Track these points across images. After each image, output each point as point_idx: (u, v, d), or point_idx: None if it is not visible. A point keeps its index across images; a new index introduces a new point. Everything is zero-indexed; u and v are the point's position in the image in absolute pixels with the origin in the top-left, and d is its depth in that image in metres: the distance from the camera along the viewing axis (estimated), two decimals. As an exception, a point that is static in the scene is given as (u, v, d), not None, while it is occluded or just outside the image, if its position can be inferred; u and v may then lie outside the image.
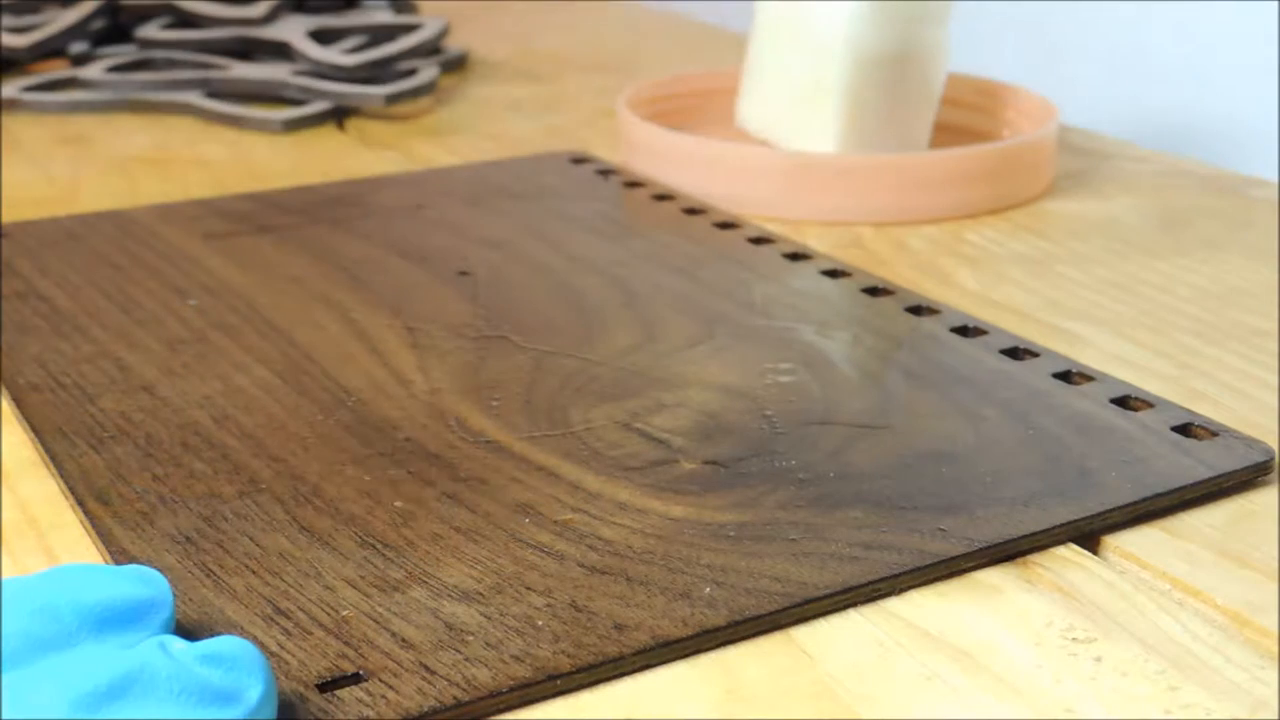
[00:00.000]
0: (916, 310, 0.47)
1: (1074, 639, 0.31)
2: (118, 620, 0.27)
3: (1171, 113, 0.80)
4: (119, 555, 0.33)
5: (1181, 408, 0.40)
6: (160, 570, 0.32)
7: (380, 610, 0.31)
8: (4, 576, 0.30)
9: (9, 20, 0.88)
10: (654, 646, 0.30)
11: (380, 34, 0.85)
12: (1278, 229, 0.57)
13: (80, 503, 0.36)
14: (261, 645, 0.30)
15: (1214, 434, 0.38)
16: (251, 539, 0.34)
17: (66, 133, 0.74)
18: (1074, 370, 0.42)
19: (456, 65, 0.89)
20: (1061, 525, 0.34)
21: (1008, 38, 0.89)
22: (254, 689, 0.26)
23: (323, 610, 0.31)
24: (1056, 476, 0.36)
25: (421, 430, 0.39)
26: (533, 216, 0.58)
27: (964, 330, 0.46)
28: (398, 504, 0.35)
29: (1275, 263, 0.53)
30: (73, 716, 0.24)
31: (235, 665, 0.26)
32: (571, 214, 0.58)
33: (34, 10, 0.90)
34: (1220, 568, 0.33)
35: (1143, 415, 0.39)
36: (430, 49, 0.85)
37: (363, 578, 0.32)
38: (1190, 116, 0.79)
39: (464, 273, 0.51)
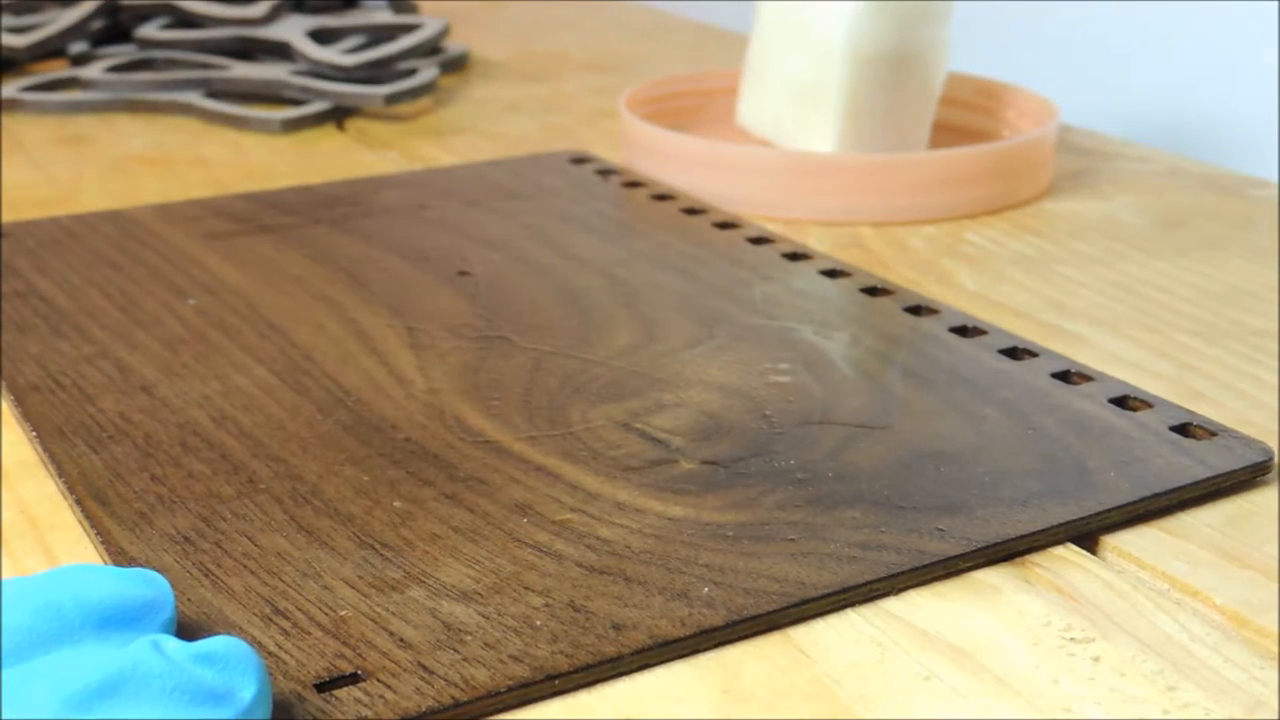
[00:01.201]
0: (916, 310, 0.47)
1: (1072, 639, 0.31)
2: (120, 619, 0.27)
3: (1171, 113, 0.80)
4: (118, 555, 0.33)
5: (1180, 407, 0.40)
6: (158, 570, 0.32)
7: (378, 610, 0.31)
8: (4, 576, 0.30)
9: (9, 20, 0.88)
10: (652, 646, 0.30)
11: (380, 34, 0.85)
12: (1278, 229, 0.56)
13: (79, 503, 0.36)
14: (259, 645, 0.30)
15: (1213, 434, 0.38)
16: (250, 539, 0.34)
17: (66, 133, 0.74)
18: (1073, 370, 0.42)
19: (456, 65, 0.89)
20: (1060, 525, 0.34)
21: (1007, 38, 0.89)
22: (247, 689, 0.26)
23: (321, 610, 0.31)
24: (1055, 476, 0.36)
25: (420, 430, 0.39)
26: (533, 216, 0.58)
27: (963, 330, 0.46)
28: (396, 504, 0.35)
29: (1275, 263, 0.53)
30: (64, 715, 0.24)
31: (229, 665, 0.26)
32: (571, 214, 0.58)
33: (34, 10, 0.90)
34: (1219, 568, 0.33)
35: (1142, 415, 0.39)
36: (430, 49, 0.85)
37: (361, 578, 0.32)
38: (1190, 116, 0.79)
39: (464, 273, 0.51)
